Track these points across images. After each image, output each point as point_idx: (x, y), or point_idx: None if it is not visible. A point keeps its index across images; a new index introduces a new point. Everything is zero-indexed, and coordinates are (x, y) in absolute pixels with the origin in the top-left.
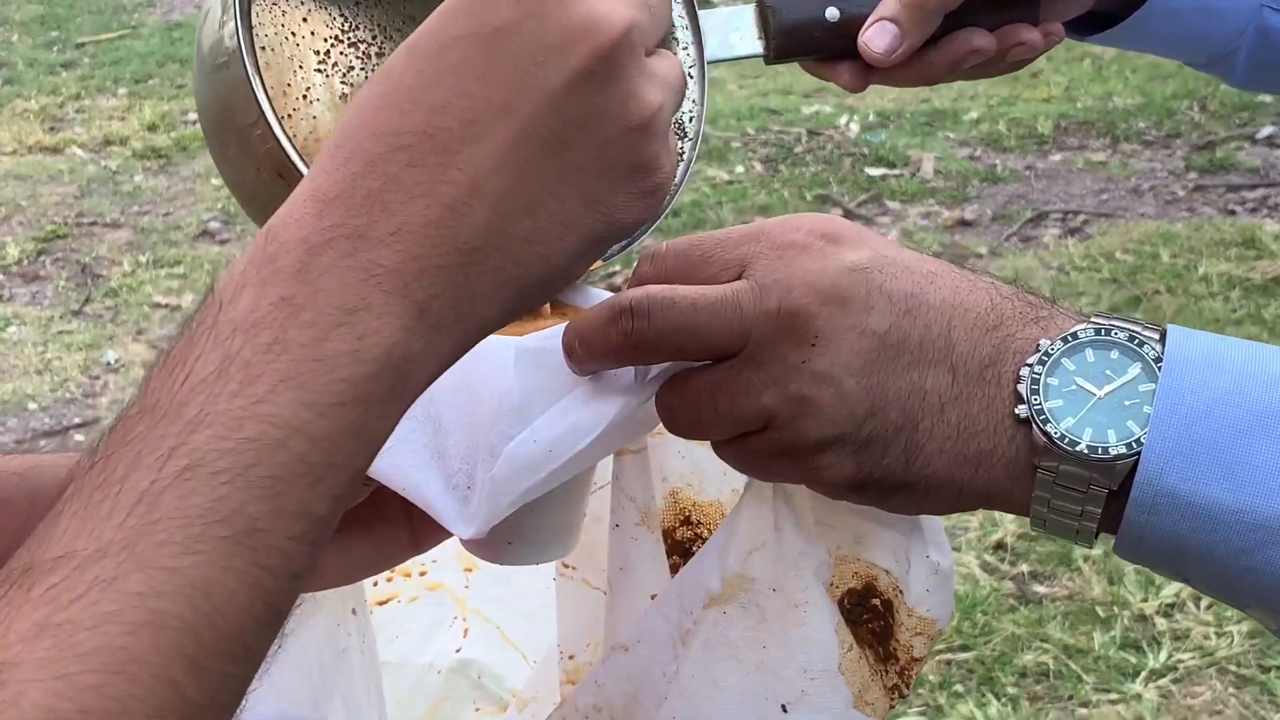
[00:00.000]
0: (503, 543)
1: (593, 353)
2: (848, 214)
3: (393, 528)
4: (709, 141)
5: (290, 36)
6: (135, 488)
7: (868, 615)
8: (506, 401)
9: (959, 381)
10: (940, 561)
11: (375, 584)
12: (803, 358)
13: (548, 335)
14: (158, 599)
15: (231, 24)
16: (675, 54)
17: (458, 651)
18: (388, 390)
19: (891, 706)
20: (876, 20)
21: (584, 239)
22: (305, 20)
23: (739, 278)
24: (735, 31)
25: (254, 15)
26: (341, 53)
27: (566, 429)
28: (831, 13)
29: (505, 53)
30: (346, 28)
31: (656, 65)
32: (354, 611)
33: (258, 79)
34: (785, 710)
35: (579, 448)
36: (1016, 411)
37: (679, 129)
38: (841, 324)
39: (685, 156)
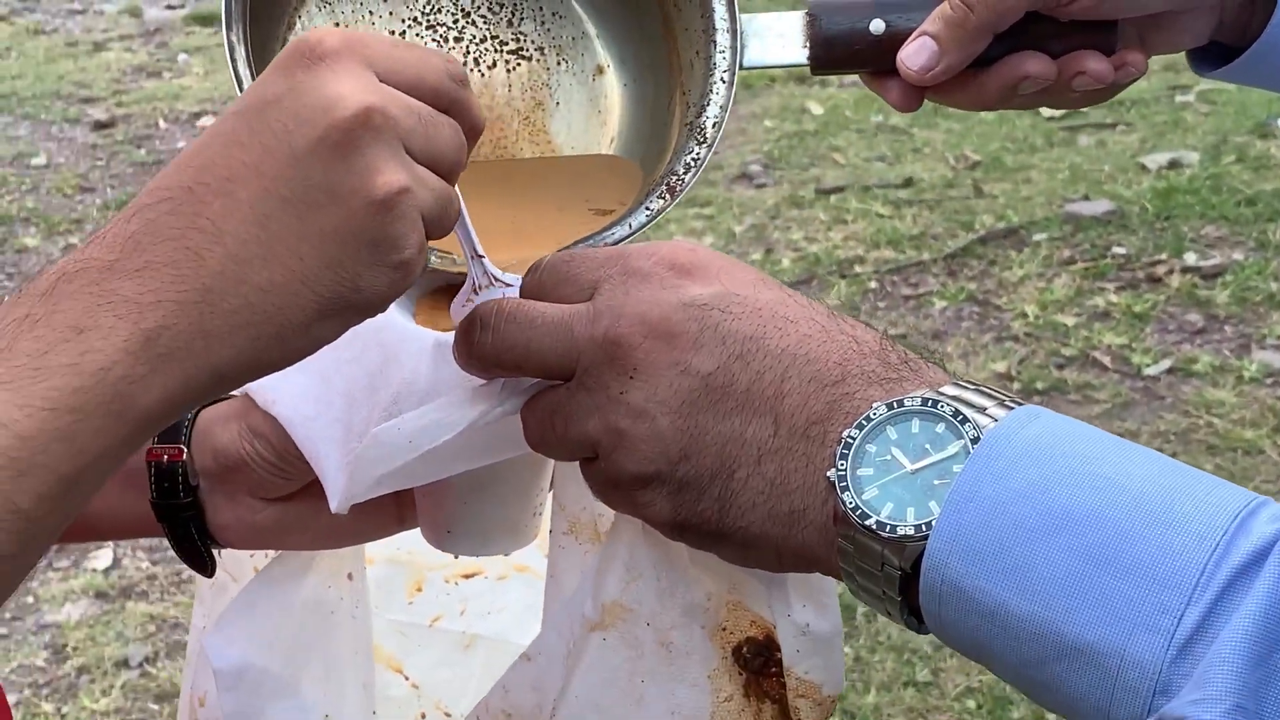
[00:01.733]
0: (442, 530)
1: (459, 358)
2: None
3: (379, 502)
4: None
5: (367, 15)
6: None
7: (773, 668)
8: (411, 387)
9: (781, 435)
10: (810, 622)
11: (458, 556)
12: (621, 389)
13: None
14: None
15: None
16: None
17: None
18: (102, 405)
19: None
20: (917, 36)
21: (323, 299)
22: (385, 0)
23: (590, 299)
24: (779, 38)
25: None
26: (418, 34)
27: (429, 424)
28: (877, 25)
29: (265, 122)
30: (427, 9)
31: (418, 157)
32: (350, 576)
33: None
34: None
35: (435, 443)
36: (828, 474)
37: (699, 134)
38: (663, 359)
39: (700, 160)
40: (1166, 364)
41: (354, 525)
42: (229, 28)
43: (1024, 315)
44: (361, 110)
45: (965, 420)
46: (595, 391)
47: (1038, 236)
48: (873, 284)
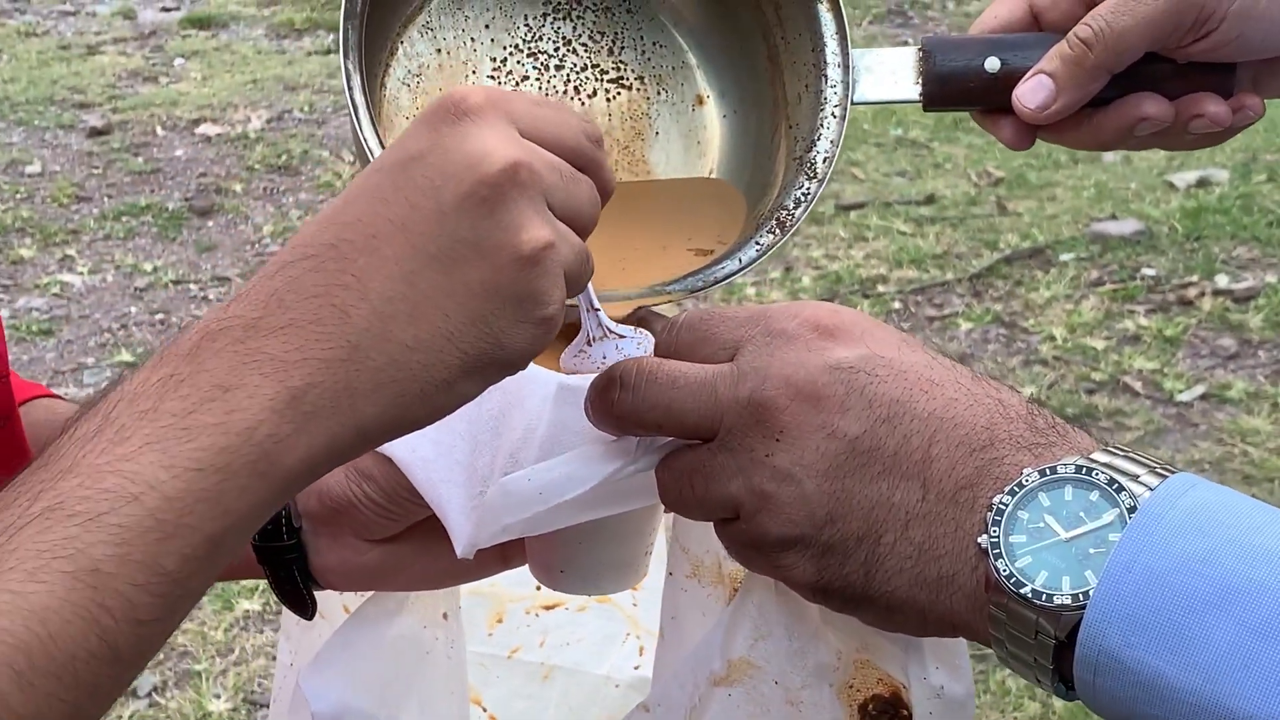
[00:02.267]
0: (555, 570)
1: (592, 415)
2: None
3: None
4: None
5: (469, 42)
6: (4, 521)
7: None
8: (534, 433)
9: (929, 499)
10: (945, 686)
11: (539, 588)
12: (767, 451)
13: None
14: None
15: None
16: (823, 92)
17: (636, 669)
18: (248, 465)
19: None
20: (1034, 74)
21: (467, 356)
22: (488, 27)
23: (732, 359)
24: (892, 74)
25: (434, 16)
26: (519, 61)
27: (560, 477)
28: (992, 63)
29: (410, 178)
30: (529, 37)
31: (558, 213)
32: (445, 616)
33: (371, 132)
34: None
35: (566, 498)
36: (979, 540)
37: (809, 169)
38: (810, 422)
39: (810, 195)
40: (1200, 390)
41: (457, 565)
42: (346, 55)
43: (1052, 338)
44: (509, 165)
45: (1120, 488)
46: (739, 453)
47: (1064, 256)
48: (896, 304)
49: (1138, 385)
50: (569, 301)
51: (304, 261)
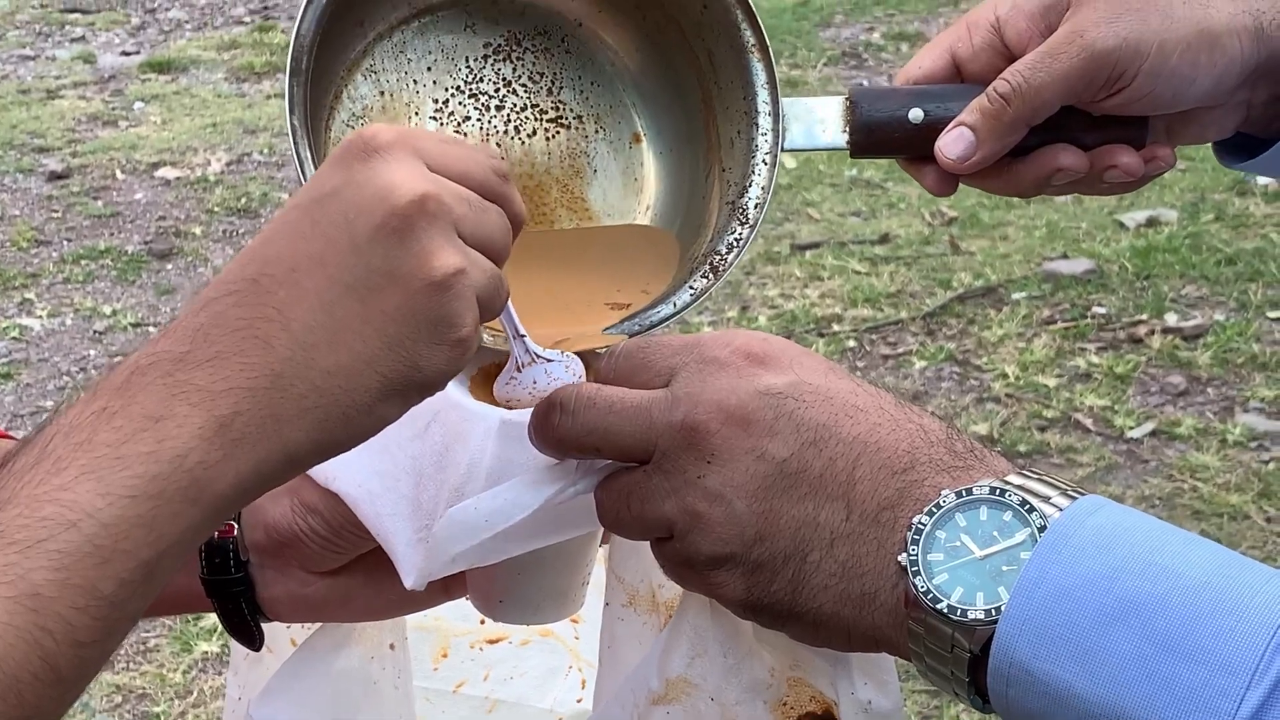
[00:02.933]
0: (494, 600)
1: (535, 439)
2: None
3: None
4: None
5: (412, 84)
6: None
7: None
8: (478, 466)
9: (853, 519)
10: (873, 700)
11: (483, 622)
12: (699, 473)
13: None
14: None
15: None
16: (754, 139)
17: (579, 701)
18: (180, 490)
19: None
20: (956, 126)
21: (387, 379)
22: (430, 69)
23: (668, 385)
24: (820, 123)
25: (377, 59)
26: (460, 102)
27: (504, 503)
28: (915, 114)
29: (325, 213)
30: (470, 79)
31: (469, 241)
32: (392, 646)
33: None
34: None
35: (511, 522)
36: (899, 558)
37: (741, 214)
38: (740, 445)
39: (742, 240)
40: (1149, 426)
41: (402, 596)
42: (292, 111)
43: (1004, 376)
44: (418, 197)
45: (1031, 509)
46: (673, 475)
47: (1017, 295)
48: (851, 343)
49: (1089, 422)
50: (493, 329)
51: (228, 297)
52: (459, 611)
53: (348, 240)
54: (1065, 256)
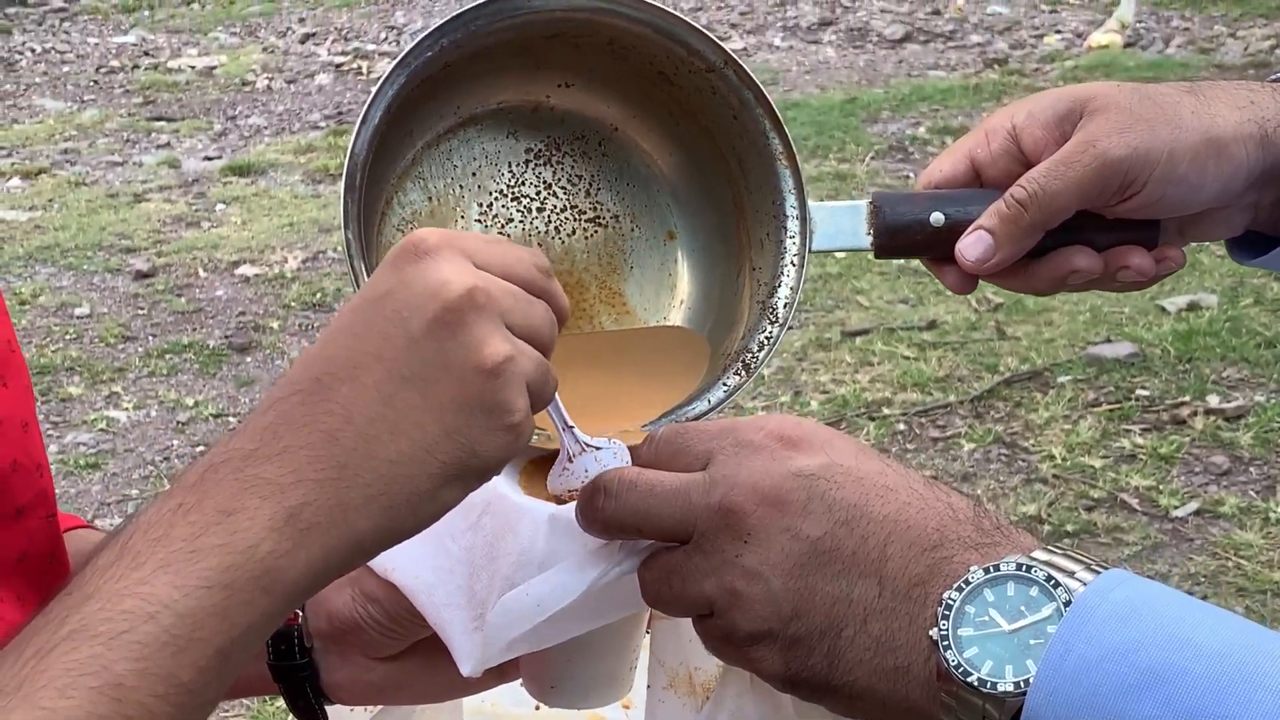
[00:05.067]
0: (546, 685)
1: (581, 521)
2: None
3: None
4: None
5: (458, 189)
6: (35, 644)
7: None
8: (528, 556)
9: (885, 595)
10: None
11: (538, 707)
12: (736, 552)
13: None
14: None
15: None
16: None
17: None
18: (252, 580)
19: None
20: (975, 229)
21: (446, 465)
22: (475, 175)
23: (705, 469)
24: (845, 226)
25: (426, 166)
26: (504, 205)
27: (554, 587)
28: (937, 218)
29: (380, 313)
30: (513, 183)
31: (517, 332)
32: None
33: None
34: None
35: (561, 605)
36: (931, 633)
37: (771, 313)
38: (775, 525)
39: (773, 339)
40: (1194, 505)
41: (458, 680)
42: (347, 225)
43: (1051, 457)
44: (466, 291)
45: (1057, 584)
46: (711, 554)
47: (1062, 378)
48: (901, 426)
49: (1134, 502)
50: (537, 428)
51: (293, 396)
52: (514, 696)
53: (403, 336)
54: (1109, 340)
